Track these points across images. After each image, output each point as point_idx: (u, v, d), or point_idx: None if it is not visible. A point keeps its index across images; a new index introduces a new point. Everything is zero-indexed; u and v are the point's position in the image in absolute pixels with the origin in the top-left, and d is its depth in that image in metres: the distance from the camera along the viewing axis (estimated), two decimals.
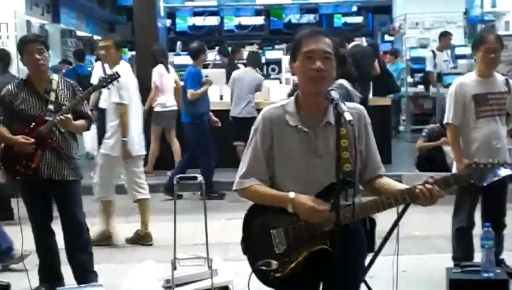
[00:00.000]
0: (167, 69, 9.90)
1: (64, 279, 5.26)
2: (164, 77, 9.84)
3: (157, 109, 9.87)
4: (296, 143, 3.07)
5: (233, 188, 3.20)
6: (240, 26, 22.95)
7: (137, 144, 6.75)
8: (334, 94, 2.89)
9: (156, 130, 10.03)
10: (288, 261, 3.02)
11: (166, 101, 9.86)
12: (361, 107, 3.20)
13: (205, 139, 9.03)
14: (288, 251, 3.03)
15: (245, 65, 11.22)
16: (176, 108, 9.95)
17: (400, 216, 3.82)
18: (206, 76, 9.26)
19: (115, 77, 5.43)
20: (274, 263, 3.02)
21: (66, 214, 5.19)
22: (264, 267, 3.04)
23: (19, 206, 5.20)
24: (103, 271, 5.47)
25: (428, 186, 2.93)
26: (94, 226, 6.42)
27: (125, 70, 6.55)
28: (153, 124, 10.01)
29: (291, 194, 3.01)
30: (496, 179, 3.00)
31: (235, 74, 10.01)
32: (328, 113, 3.04)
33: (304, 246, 3.01)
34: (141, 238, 6.90)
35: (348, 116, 2.76)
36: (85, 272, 5.23)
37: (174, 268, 4.39)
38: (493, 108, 5.24)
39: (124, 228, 7.10)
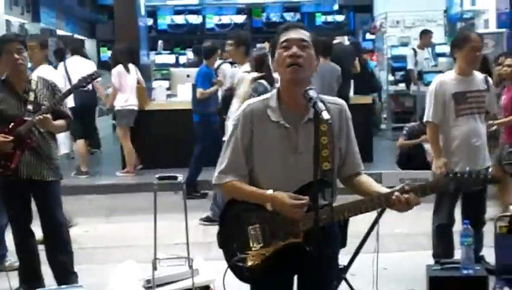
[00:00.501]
0: (127, 68, 9.93)
1: (44, 280, 5.23)
2: (123, 77, 9.92)
3: (116, 107, 10.01)
4: (277, 139, 3.03)
5: (213, 182, 3.16)
6: (220, 25, 22.85)
7: (61, 143, 6.75)
8: (312, 93, 2.84)
9: (121, 129, 10.10)
10: (263, 255, 3.00)
11: (125, 100, 9.95)
12: (342, 102, 3.15)
13: (210, 140, 8.94)
14: (264, 247, 3.00)
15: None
16: (135, 107, 10.05)
17: (379, 214, 3.86)
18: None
19: (95, 76, 5.40)
20: (249, 259, 3.00)
21: (45, 215, 5.15)
22: (240, 264, 3.02)
23: None
24: (83, 272, 5.43)
25: (405, 195, 2.91)
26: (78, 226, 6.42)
27: (46, 72, 6.55)
28: (116, 123, 10.16)
29: (269, 192, 2.97)
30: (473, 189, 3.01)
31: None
32: (310, 109, 2.97)
33: (279, 241, 2.99)
34: None
35: (325, 115, 2.72)
36: (65, 273, 5.20)
37: (154, 268, 4.37)
38: (472, 106, 5.27)
39: (105, 228, 7.07)
